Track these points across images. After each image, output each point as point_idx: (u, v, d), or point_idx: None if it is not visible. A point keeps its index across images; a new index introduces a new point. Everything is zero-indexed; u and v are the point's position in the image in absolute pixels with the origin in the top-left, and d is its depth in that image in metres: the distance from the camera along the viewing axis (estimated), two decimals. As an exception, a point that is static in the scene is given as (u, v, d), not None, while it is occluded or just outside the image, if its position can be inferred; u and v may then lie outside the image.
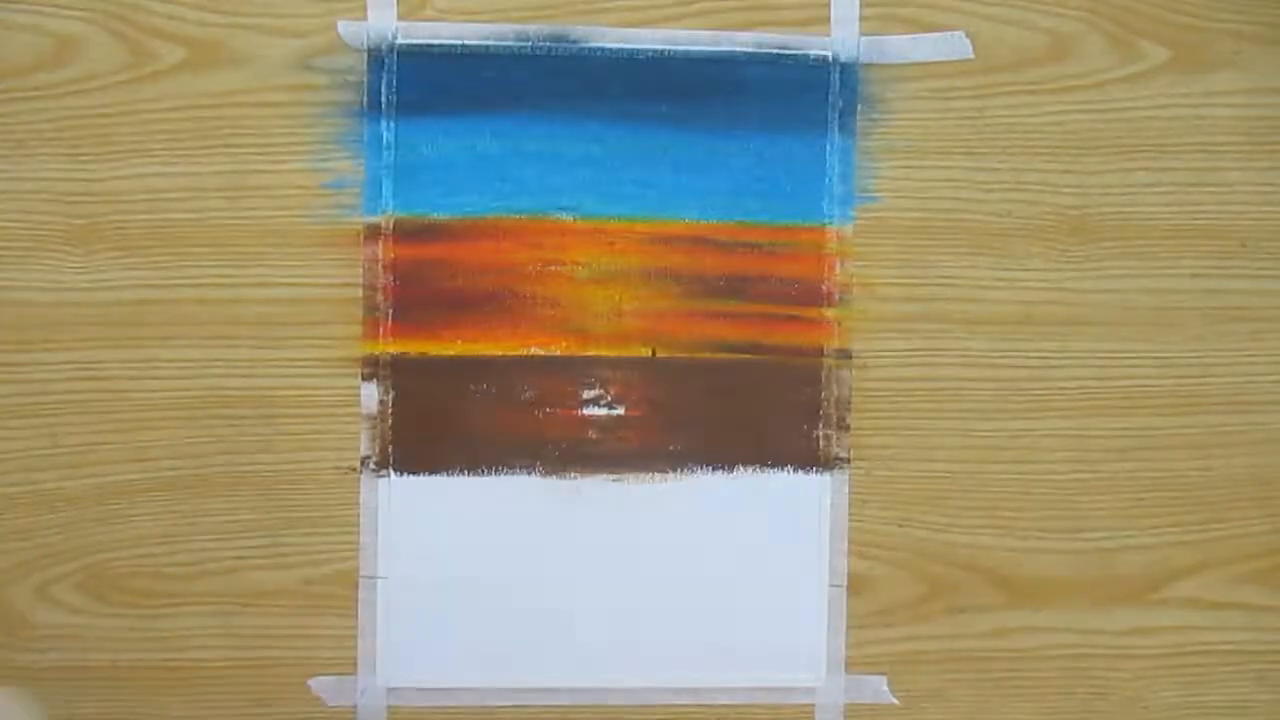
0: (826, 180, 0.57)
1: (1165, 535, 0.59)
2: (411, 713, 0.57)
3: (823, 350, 0.58)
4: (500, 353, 0.57)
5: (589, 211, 0.57)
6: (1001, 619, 0.58)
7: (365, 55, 0.56)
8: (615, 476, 0.57)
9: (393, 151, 0.57)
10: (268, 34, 0.56)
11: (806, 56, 0.57)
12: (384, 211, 0.57)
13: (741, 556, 0.57)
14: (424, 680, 0.57)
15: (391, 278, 0.57)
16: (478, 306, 0.57)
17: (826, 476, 0.57)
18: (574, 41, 0.57)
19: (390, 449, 0.57)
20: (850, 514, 0.58)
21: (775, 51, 0.57)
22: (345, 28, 0.56)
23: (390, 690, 0.57)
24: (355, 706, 0.57)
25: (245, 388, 0.57)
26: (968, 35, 0.57)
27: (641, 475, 0.57)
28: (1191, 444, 0.58)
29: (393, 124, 0.57)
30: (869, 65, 0.57)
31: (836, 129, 0.57)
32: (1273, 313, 0.58)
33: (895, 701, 0.58)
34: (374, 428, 0.57)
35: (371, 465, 0.57)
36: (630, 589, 0.57)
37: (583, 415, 0.57)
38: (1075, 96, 0.58)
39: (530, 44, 0.57)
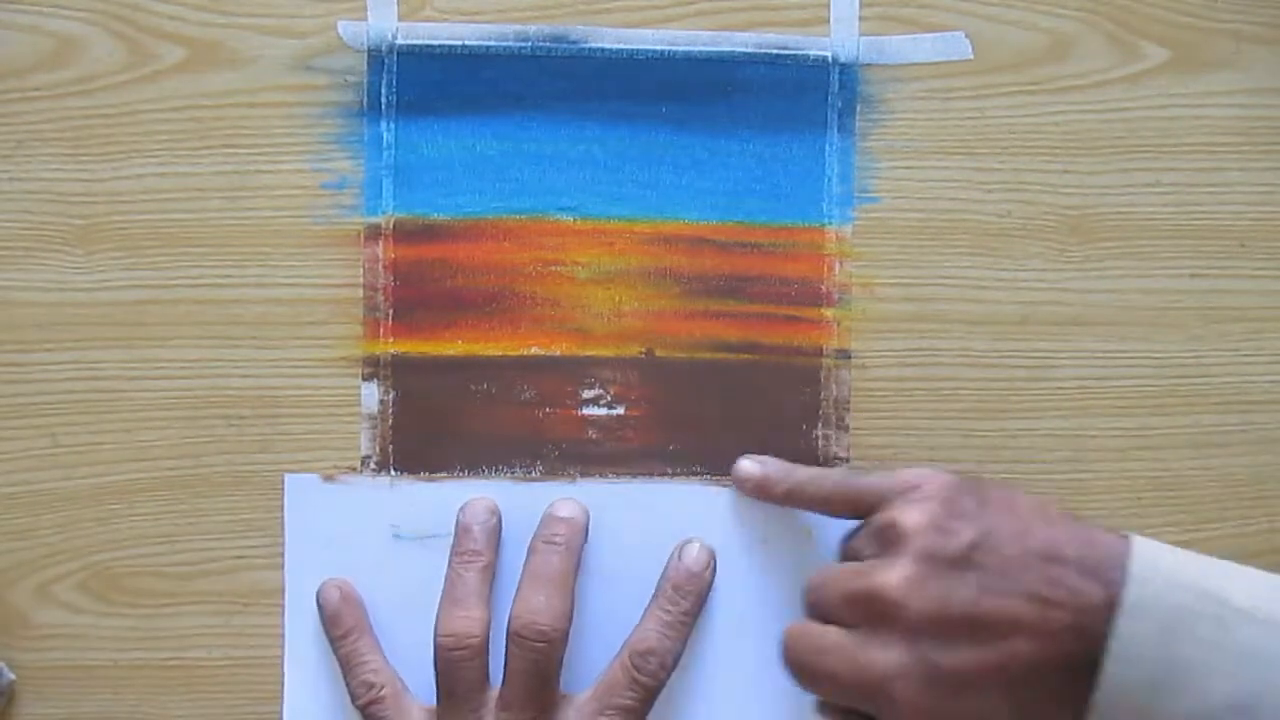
0: (826, 180, 0.57)
1: (1163, 535, 0.58)
2: (412, 712, 0.57)
3: (822, 350, 0.58)
4: (500, 353, 0.57)
5: (589, 211, 0.57)
6: (1000, 618, 0.58)
7: (365, 55, 0.56)
8: (615, 476, 0.57)
9: (393, 152, 0.57)
10: (268, 34, 0.56)
11: (806, 57, 0.57)
12: (384, 212, 0.57)
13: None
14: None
15: (391, 278, 0.57)
16: (478, 306, 0.57)
17: (826, 476, 0.58)
18: (574, 42, 0.57)
19: (390, 449, 0.57)
20: (850, 514, 0.58)
21: (775, 52, 0.57)
22: (345, 28, 0.56)
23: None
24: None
25: (245, 388, 0.57)
26: (968, 35, 0.57)
27: (641, 475, 0.57)
28: (1190, 444, 0.59)
29: (393, 124, 0.57)
30: (869, 66, 0.57)
31: (836, 129, 0.57)
32: (1271, 313, 0.59)
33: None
34: (374, 428, 0.57)
35: (372, 465, 0.57)
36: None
37: (583, 415, 0.57)
38: (1075, 96, 0.58)
39: (530, 44, 0.57)
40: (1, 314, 0.56)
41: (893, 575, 0.48)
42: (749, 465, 0.56)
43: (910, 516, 0.49)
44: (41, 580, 0.57)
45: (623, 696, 0.54)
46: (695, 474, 0.57)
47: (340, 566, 0.56)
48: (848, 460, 0.58)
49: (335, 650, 0.56)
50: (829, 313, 0.58)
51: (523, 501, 0.57)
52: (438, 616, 0.54)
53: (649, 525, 0.57)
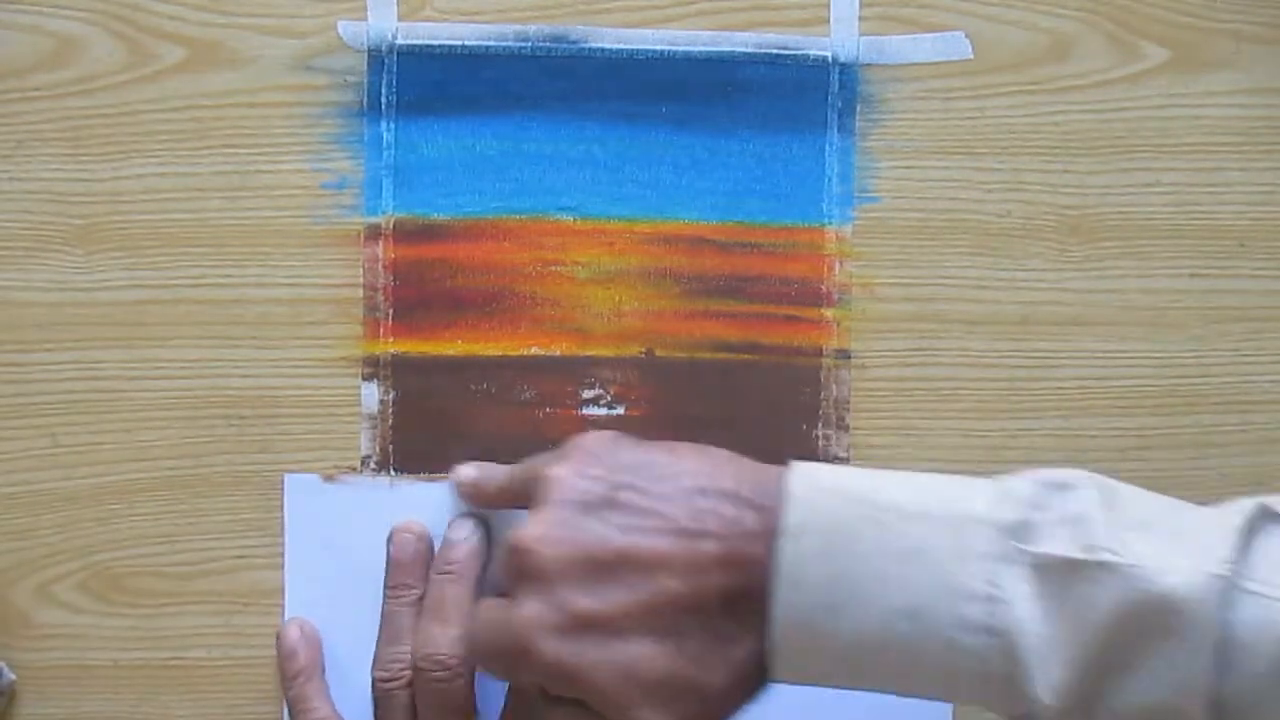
0: (826, 180, 0.58)
1: (1164, 535, 0.59)
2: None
3: (822, 350, 0.58)
4: (500, 353, 0.57)
5: (589, 211, 0.57)
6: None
7: (365, 55, 0.56)
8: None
9: (393, 151, 0.57)
10: (268, 34, 0.56)
11: (806, 56, 0.57)
12: (384, 212, 0.57)
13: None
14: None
15: (391, 278, 0.57)
16: (478, 306, 0.57)
17: (826, 476, 0.57)
18: (574, 41, 0.57)
19: (390, 449, 0.57)
20: (850, 514, 0.57)
21: (775, 52, 0.57)
22: (345, 28, 0.56)
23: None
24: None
25: (245, 388, 0.57)
26: (968, 35, 0.57)
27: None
28: (1190, 444, 0.59)
29: (393, 124, 0.57)
30: (869, 66, 0.57)
31: (836, 129, 0.57)
32: (1271, 313, 0.59)
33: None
34: (374, 428, 0.57)
35: (371, 465, 0.57)
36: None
37: (583, 415, 0.57)
38: (1075, 96, 0.58)
39: (530, 44, 0.57)
40: (1, 314, 0.56)
41: (529, 528, 0.46)
42: (467, 469, 0.55)
43: (555, 469, 0.48)
44: (42, 580, 0.57)
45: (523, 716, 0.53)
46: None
47: (340, 566, 0.57)
48: (847, 460, 0.57)
49: (284, 690, 0.55)
50: (829, 313, 0.58)
51: (523, 501, 0.57)
52: (375, 652, 0.54)
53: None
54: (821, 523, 0.44)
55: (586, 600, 0.45)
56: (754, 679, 0.46)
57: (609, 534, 0.45)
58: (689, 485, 0.46)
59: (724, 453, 0.48)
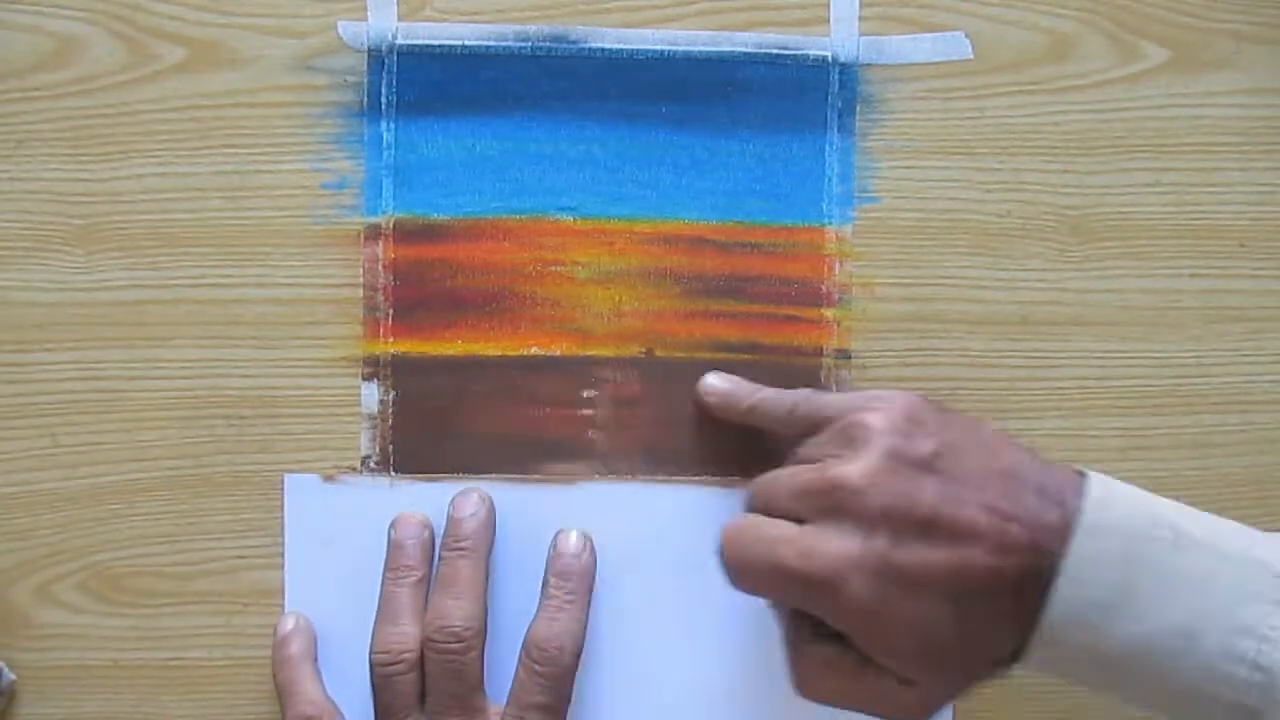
0: (826, 180, 0.58)
1: (1164, 535, 0.59)
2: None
3: (822, 350, 0.58)
4: (500, 353, 0.57)
5: (589, 211, 0.57)
6: (1000, 618, 0.58)
7: (365, 56, 0.56)
8: (615, 477, 0.57)
9: (393, 151, 0.57)
10: (268, 34, 0.56)
11: (806, 56, 0.57)
12: (384, 212, 0.57)
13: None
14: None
15: (391, 278, 0.57)
16: (478, 306, 0.57)
17: (826, 476, 0.57)
18: (574, 42, 0.57)
19: (390, 449, 0.57)
20: (850, 514, 0.58)
21: (775, 52, 0.57)
22: (345, 28, 0.56)
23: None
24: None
25: (245, 388, 0.57)
26: (968, 35, 0.57)
27: (642, 475, 0.57)
28: (1190, 444, 0.59)
29: (393, 124, 0.57)
30: (868, 65, 0.57)
31: (836, 129, 0.57)
32: (1271, 313, 0.59)
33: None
34: (374, 428, 0.57)
35: (371, 465, 0.57)
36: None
37: (583, 415, 0.57)
38: (1075, 96, 0.58)
39: (530, 44, 0.57)
40: (1, 314, 0.56)
41: (855, 467, 0.47)
42: (716, 380, 0.56)
43: (877, 419, 0.49)
44: (42, 580, 0.57)
45: (532, 695, 0.53)
46: (696, 474, 0.57)
47: (340, 566, 0.57)
48: (848, 460, 0.57)
49: (275, 675, 0.56)
50: (829, 313, 0.58)
51: (523, 501, 0.57)
52: (372, 634, 0.54)
53: (648, 526, 0.57)
54: (1118, 530, 0.46)
55: (902, 553, 0.46)
56: (1008, 661, 0.48)
57: (932, 497, 0.47)
58: (997, 467, 0.48)
59: (1022, 444, 0.50)
